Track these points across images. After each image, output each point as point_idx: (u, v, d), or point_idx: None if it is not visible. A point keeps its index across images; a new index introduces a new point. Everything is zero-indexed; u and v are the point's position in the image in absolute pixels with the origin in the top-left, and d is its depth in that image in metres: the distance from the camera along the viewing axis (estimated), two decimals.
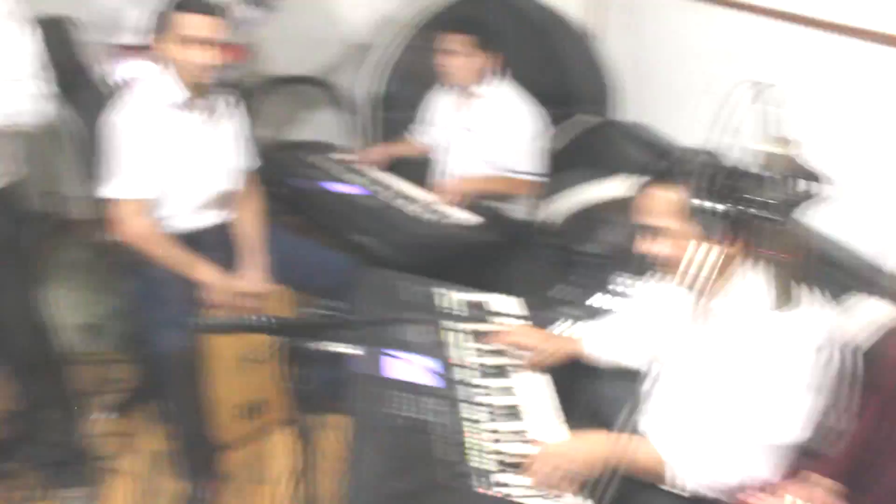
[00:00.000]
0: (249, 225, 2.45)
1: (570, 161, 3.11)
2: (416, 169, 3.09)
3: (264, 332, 1.48)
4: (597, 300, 2.24)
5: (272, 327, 1.47)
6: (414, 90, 3.21)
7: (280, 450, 2.48)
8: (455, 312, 2.03)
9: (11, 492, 2.28)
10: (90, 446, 2.39)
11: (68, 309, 3.12)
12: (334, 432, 1.83)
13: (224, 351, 2.28)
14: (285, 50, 3.38)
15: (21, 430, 2.35)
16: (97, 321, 3.04)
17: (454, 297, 2.10)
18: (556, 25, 3.52)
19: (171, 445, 2.28)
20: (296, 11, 3.23)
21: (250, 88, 3.13)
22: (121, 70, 2.70)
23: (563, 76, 3.51)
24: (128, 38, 2.64)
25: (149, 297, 2.22)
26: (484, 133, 2.88)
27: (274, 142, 3.56)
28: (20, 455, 2.33)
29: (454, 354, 1.85)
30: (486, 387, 1.77)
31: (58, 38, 3.12)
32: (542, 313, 2.13)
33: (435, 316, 1.98)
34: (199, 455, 2.26)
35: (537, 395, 1.78)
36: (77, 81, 2.92)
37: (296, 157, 3.16)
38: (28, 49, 1.85)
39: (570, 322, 2.06)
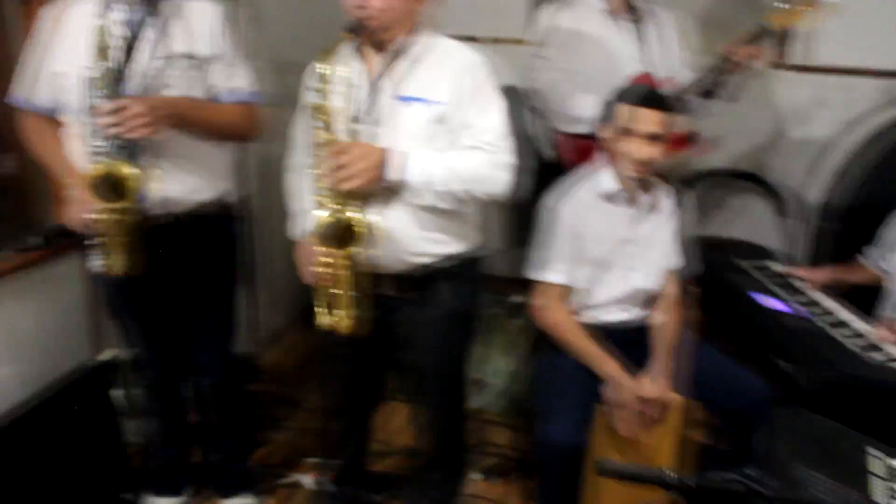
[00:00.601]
0: (670, 329, 2.31)
1: None
2: (866, 296, 2.66)
3: (672, 491, 1.32)
4: None
5: (681, 488, 1.30)
6: (882, 206, 2.78)
7: None
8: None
9: None
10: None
11: (483, 365, 3.31)
12: None
13: (614, 458, 2.16)
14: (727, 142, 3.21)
15: (406, 470, 2.50)
16: (503, 383, 3.16)
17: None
18: None
19: None
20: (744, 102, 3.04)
21: (687, 182, 3.02)
22: (565, 156, 2.78)
23: None
24: (575, 126, 2.69)
25: (552, 380, 2.21)
26: None
27: (701, 238, 3.39)
28: (393, 491, 2.47)
29: None
30: None
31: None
32: None
33: (869, 488, 1.62)
34: None
35: None
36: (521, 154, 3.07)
37: (723, 258, 2.95)
38: (501, 119, 1.92)
39: None
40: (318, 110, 1.78)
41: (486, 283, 2.79)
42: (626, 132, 2.13)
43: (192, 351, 2.25)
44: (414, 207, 1.86)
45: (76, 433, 2.28)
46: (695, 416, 2.27)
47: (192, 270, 2.13)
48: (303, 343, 3.38)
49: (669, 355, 2.24)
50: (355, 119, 1.84)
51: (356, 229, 1.77)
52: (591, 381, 2.17)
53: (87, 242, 1.96)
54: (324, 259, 1.82)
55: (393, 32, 1.85)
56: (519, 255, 2.36)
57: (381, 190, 1.82)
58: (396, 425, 2.69)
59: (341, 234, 1.79)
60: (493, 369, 3.28)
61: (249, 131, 2.14)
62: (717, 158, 3.30)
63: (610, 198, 2.23)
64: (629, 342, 2.27)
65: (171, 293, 2.15)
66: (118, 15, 1.92)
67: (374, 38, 1.85)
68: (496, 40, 3.96)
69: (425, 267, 1.95)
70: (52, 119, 2.05)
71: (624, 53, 2.64)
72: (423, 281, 1.95)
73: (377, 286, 1.91)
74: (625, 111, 2.14)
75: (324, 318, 1.89)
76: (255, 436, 2.71)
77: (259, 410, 2.92)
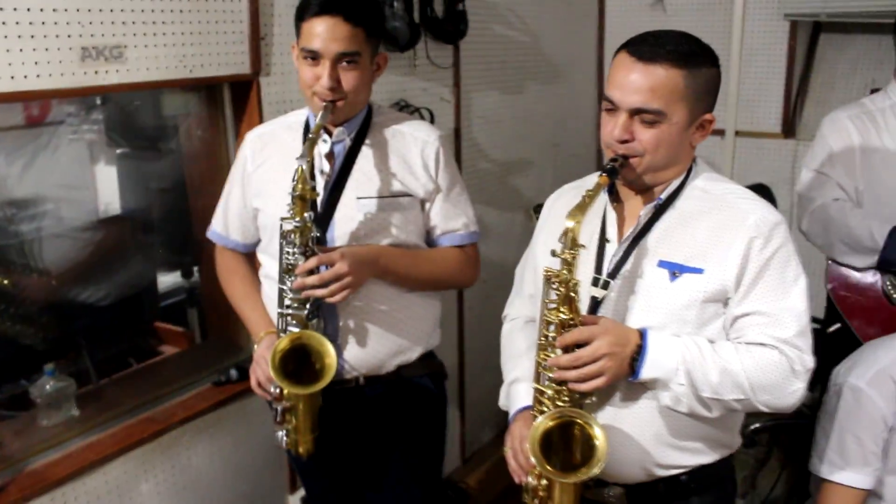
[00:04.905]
0: None
1: None
2: None
3: None
4: None
5: None
6: None
7: None
8: None
9: None
10: None
11: None
12: None
13: None
14: None
15: None
16: None
17: None
18: None
19: None
20: None
21: None
22: (840, 292, 2.21)
23: None
24: (862, 259, 2.12)
25: None
26: None
27: None
28: None
29: None
30: None
31: None
32: None
33: None
34: None
35: None
36: None
37: None
38: (805, 308, 1.36)
39: None
40: (559, 279, 1.31)
41: None
42: None
43: None
44: (665, 409, 1.38)
45: None
46: None
47: (391, 440, 1.81)
48: None
49: None
50: (596, 282, 1.38)
51: (591, 446, 1.30)
52: None
53: (272, 407, 1.69)
54: (538, 472, 1.40)
55: (663, 175, 1.39)
56: None
57: (624, 382, 1.36)
58: None
59: (566, 445, 1.37)
60: None
61: (465, 279, 1.83)
62: None
63: None
64: None
65: (366, 464, 1.84)
66: (323, 147, 1.66)
67: (639, 182, 1.39)
68: (744, 133, 3.47)
69: (672, 480, 1.46)
70: (248, 256, 1.85)
71: None
72: (667, 497, 1.48)
73: (603, 495, 1.47)
74: None
75: None
76: None
77: None
